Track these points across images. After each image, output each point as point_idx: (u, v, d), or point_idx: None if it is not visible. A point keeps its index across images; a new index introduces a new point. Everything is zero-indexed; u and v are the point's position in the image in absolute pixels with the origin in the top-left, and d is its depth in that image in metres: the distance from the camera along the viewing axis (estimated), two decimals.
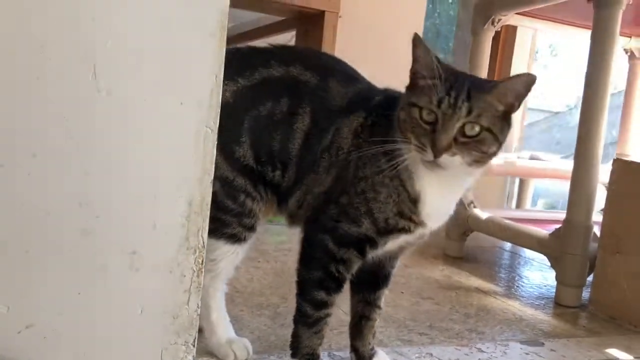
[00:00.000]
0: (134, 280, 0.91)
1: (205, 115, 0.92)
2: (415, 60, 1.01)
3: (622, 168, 1.68)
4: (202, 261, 0.95)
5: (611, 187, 1.70)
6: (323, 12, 2.64)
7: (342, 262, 1.04)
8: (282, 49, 1.18)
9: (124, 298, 0.91)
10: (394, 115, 1.02)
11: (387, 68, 2.68)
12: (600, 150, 1.71)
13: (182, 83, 0.90)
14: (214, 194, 0.96)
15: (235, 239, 1.10)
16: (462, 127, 0.94)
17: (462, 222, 2.21)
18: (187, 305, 0.95)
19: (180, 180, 0.92)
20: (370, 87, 1.15)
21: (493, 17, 2.14)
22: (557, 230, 1.80)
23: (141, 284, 0.91)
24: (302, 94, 1.10)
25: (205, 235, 0.96)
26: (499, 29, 2.27)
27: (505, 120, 0.98)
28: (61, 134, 0.83)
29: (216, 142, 0.94)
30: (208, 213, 0.95)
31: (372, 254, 1.08)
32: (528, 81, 0.98)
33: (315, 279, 1.05)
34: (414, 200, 1.02)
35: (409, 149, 0.98)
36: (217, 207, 1.04)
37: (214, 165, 0.94)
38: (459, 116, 0.94)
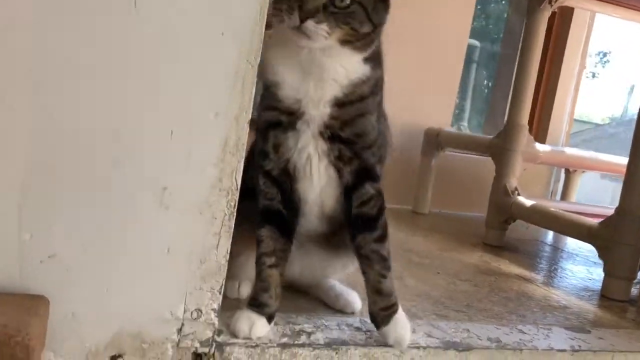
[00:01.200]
0: (163, 218, 0.86)
1: (247, 48, 0.87)
2: None
3: None
4: (235, 204, 0.91)
5: None
6: None
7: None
8: None
9: (150, 235, 0.86)
10: None
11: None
12: None
13: (223, 12, 0.85)
14: None
15: None
16: None
17: (505, 209, 2.12)
18: (216, 249, 0.90)
19: (216, 117, 0.87)
20: None
21: None
22: (607, 219, 1.70)
23: (170, 222, 0.87)
24: None
25: (239, 177, 0.91)
26: (555, 10, 2.17)
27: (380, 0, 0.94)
28: (94, 53, 0.80)
29: (255, 79, 0.89)
30: (243, 154, 0.90)
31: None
32: None
33: None
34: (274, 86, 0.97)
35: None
36: None
37: (252, 104, 0.89)
38: None
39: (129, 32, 0.81)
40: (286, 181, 1.01)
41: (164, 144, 0.85)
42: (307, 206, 1.04)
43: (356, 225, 1.03)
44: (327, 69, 0.95)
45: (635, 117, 1.69)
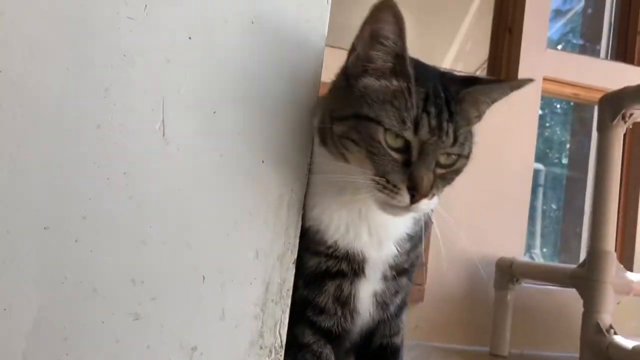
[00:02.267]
0: None
1: (291, 177, 0.75)
2: (375, 36, 0.69)
3: None
4: None
5: None
6: None
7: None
8: None
9: None
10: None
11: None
12: None
13: (264, 138, 0.74)
14: None
15: None
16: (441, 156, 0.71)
17: (601, 352, 1.82)
18: None
19: (256, 257, 0.73)
20: None
21: (624, 111, 1.89)
22: None
23: None
24: None
25: (284, 332, 0.74)
26: (630, 126, 2.01)
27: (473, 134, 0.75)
28: (117, 192, 0.69)
29: (301, 212, 0.75)
30: (289, 302, 0.75)
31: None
32: (517, 86, 0.77)
33: None
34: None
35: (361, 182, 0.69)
36: None
37: (297, 241, 0.75)
38: (444, 146, 0.69)
39: (158, 163, 0.70)
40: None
41: (194, 293, 0.71)
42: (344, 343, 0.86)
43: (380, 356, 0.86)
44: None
45: None
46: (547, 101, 3.32)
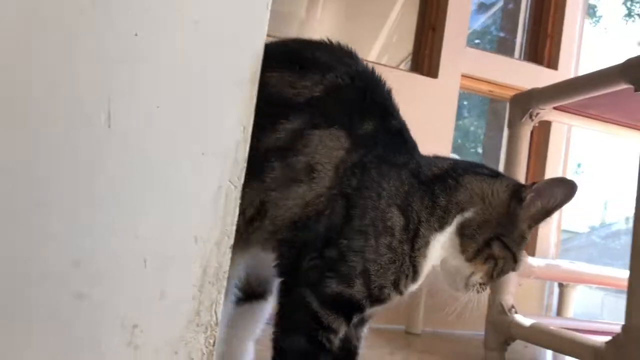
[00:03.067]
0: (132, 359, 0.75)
1: (229, 168, 0.81)
2: (553, 197, 0.96)
3: None
4: (214, 342, 0.80)
5: None
6: None
7: (330, 330, 0.87)
8: None
9: None
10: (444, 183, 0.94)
11: None
12: None
13: (205, 132, 0.80)
14: None
15: None
16: None
17: (504, 329, 2.00)
18: None
19: (195, 243, 0.79)
20: None
21: (531, 110, 2.07)
22: (614, 338, 1.59)
23: None
24: None
25: (220, 311, 0.81)
26: (536, 124, 2.19)
27: None
28: (64, 179, 0.72)
29: (239, 201, 0.82)
30: (225, 284, 0.81)
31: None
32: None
33: (297, 349, 0.87)
34: (414, 277, 0.92)
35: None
36: None
37: (234, 228, 0.82)
38: None
39: (100, 152, 0.74)
40: None
41: (135, 275, 0.76)
42: None
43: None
44: None
45: (618, 228, 1.64)
46: (466, 95, 3.50)
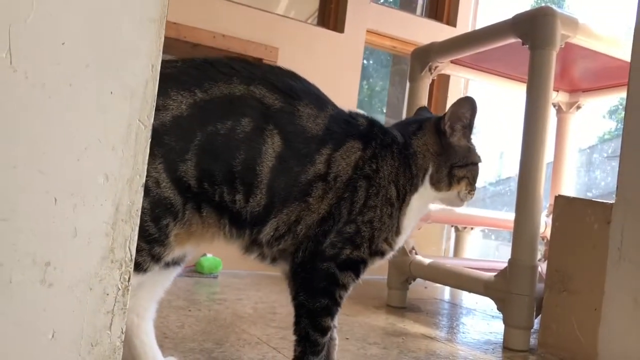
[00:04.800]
0: (46, 298, 0.76)
1: (139, 107, 0.81)
2: (464, 116, 1.18)
3: (565, 205, 1.67)
4: (129, 278, 0.82)
5: (554, 224, 1.69)
6: (261, 60, 2.63)
7: (343, 286, 1.08)
8: (243, 65, 1.07)
9: (31, 319, 0.75)
10: (409, 153, 1.16)
11: None
12: (541, 191, 1.71)
13: (113, 70, 0.79)
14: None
15: (137, 268, 0.97)
16: None
17: (404, 269, 2.14)
18: (109, 330, 0.80)
19: (106, 181, 0.80)
20: (345, 113, 1.14)
21: (430, 63, 2.17)
22: (502, 272, 1.76)
23: (54, 302, 0.76)
24: (267, 116, 1.03)
25: (134, 247, 0.83)
26: (434, 78, 2.31)
27: None
28: None
29: (149, 140, 0.83)
30: (138, 221, 0.83)
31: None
32: None
33: (324, 306, 1.06)
34: (398, 232, 1.14)
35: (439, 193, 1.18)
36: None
37: (146, 166, 0.83)
38: None
39: (7, 90, 0.73)
40: None
41: (46, 214, 0.76)
42: None
43: None
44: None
45: (510, 177, 1.79)
46: (372, 53, 3.59)
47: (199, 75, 1.02)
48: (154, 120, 0.88)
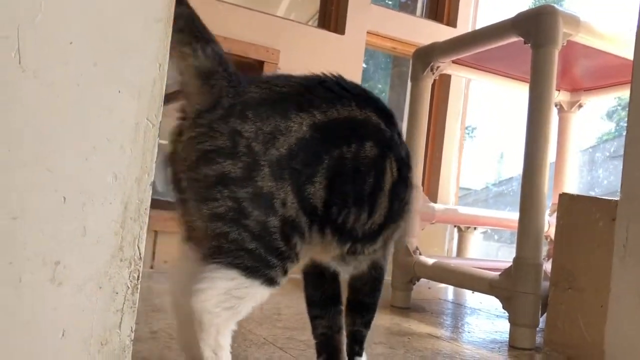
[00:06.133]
0: (56, 297, 0.76)
1: (146, 106, 0.82)
2: None
3: (569, 202, 1.67)
4: (138, 276, 0.82)
5: (559, 222, 1.69)
6: (262, 62, 2.63)
7: None
8: (349, 86, 1.11)
9: (42, 318, 0.75)
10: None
11: None
12: (545, 189, 1.71)
13: (120, 69, 0.80)
14: (269, 231, 0.93)
15: (272, 282, 0.97)
16: None
17: (408, 270, 2.14)
18: (118, 328, 0.80)
19: (115, 180, 0.80)
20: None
21: (432, 63, 2.18)
22: (507, 270, 1.76)
23: (64, 301, 0.77)
24: (384, 141, 1.06)
25: (143, 246, 0.83)
26: (436, 78, 2.31)
27: None
28: None
29: (157, 139, 0.83)
30: (146, 220, 0.83)
31: None
32: None
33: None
34: None
35: None
36: (268, 246, 0.94)
37: (154, 165, 0.83)
38: None
39: (15, 90, 0.73)
40: None
41: (55, 213, 0.76)
42: None
43: None
44: None
45: (512, 177, 1.79)
46: (372, 55, 3.59)
47: (312, 96, 1.02)
48: (281, 147, 0.94)
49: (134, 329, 0.82)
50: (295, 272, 1.06)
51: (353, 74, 2.93)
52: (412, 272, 2.13)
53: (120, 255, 0.81)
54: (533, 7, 2.00)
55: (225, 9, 2.63)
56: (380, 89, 4.01)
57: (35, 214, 0.75)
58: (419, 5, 3.43)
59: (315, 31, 2.92)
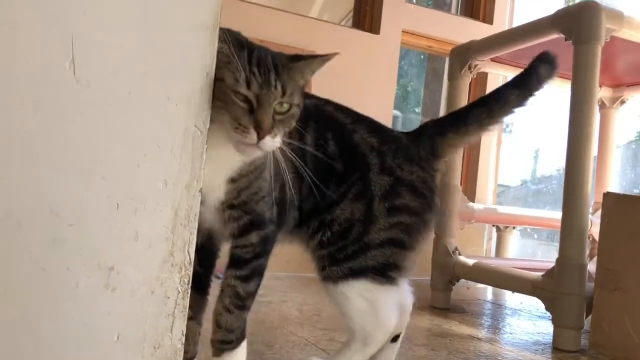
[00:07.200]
0: (110, 301, 0.78)
1: (194, 113, 0.83)
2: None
3: (614, 202, 1.63)
4: (189, 281, 0.84)
5: (604, 221, 1.65)
6: None
7: None
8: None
9: (97, 322, 0.78)
10: None
11: None
12: (589, 188, 1.68)
13: (169, 77, 0.81)
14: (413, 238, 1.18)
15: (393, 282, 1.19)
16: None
17: (448, 270, 2.12)
18: (170, 332, 0.82)
19: (165, 186, 0.82)
20: None
21: (470, 62, 2.15)
22: (550, 271, 1.73)
23: (118, 305, 0.79)
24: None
25: (193, 251, 0.84)
26: (474, 76, 2.29)
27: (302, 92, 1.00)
28: (32, 125, 0.73)
29: (205, 145, 0.85)
30: (196, 225, 0.85)
31: None
32: (328, 59, 1.00)
33: None
34: None
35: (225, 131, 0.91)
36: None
37: (203, 171, 0.85)
38: (275, 97, 0.91)
39: (69, 99, 0.75)
40: None
41: (110, 220, 0.78)
42: None
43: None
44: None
45: (552, 175, 1.76)
46: (405, 53, 3.57)
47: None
48: None
49: (184, 332, 0.83)
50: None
51: (388, 74, 2.93)
52: (451, 272, 2.11)
53: (171, 261, 0.82)
54: (573, 3, 1.96)
55: (259, 11, 2.65)
56: (412, 86, 3.98)
57: (90, 220, 0.77)
58: (454, 2, 3.39)
59: (350, 31, 2.92)
